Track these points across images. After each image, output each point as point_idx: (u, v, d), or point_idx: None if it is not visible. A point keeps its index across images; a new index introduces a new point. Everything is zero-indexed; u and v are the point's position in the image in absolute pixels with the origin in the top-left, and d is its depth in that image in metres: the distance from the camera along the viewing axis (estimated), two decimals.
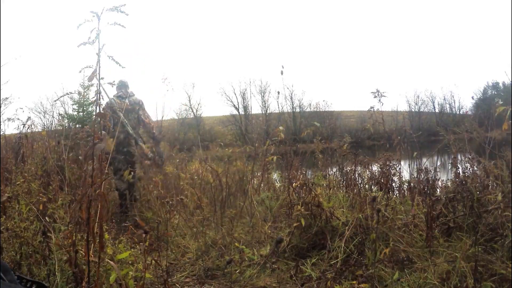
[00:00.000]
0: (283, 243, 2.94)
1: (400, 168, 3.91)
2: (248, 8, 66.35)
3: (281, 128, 3.97)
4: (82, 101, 8.24)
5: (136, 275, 2.12)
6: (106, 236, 2.00)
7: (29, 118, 5.04)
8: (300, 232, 2.98)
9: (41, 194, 2.82)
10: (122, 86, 4.96)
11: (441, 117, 34.71)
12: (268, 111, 34.18)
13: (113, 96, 4.79)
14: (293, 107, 35.34)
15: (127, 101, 4.74)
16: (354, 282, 2.30)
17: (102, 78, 1.51)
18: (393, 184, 3.91)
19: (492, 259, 2.15)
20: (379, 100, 3.41)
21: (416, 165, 4.04)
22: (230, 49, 63.74)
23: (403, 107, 34.29)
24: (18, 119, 5.00)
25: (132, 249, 2.24)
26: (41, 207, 2.59)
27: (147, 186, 4.74)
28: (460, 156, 3.50)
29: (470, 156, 3.34)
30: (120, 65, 1.62)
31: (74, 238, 1.84)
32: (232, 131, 32.10)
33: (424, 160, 4.27)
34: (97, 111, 1.59)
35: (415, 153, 3.67)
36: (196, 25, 67.20)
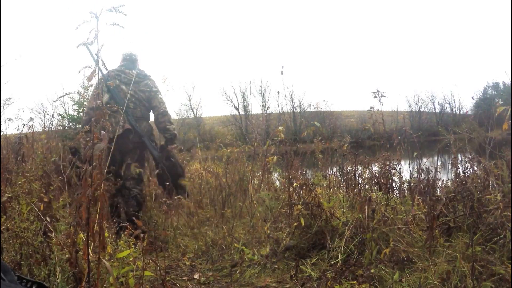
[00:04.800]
0: (283, 243, 2.94)
1: (400, 168, 3.91)
2: (248, 8, 66.38)
3: (281, 128, 3.97)
4: (82, 101, 8.24)
5: (136, 274, 2.13)
6: (106, 234, 2.00)
7: (31, 118, 5.06)
8: (300, 232, 2.98)
9: (41, 194, 2.83)
10: (130, 60, 3.69)
11: (441, 117, 34.68)
12: (268, 111, 34.16)
13: (110, 71, 3.50)
14: (293, 107, 35.34)
15: (133, 71, 3.52)
16: (354, 282, 2.30)
17: (102, 78, 1.51)
18: (393, 184, 3.91)
19: (491, 259, 2.15)
20: (379, 100, 3.41)
21: (416, 165, 4.04)
22: (230, 50, 63.78)
23: (403, 107, 34.27)
24: (20, 119, 5.01)
25: (131, 248, 2.25)
26: (41, 207, 2.59)
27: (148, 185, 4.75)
28: (460, 156, 3.50)
29: (470, 156, 3.34)
30: (108, 70, 1.62)
31: (74, 238, 1.84)
32: (232, 131, 32.13)
33: (424, 160, 4.26)
34: (97, 110, 1.59)
35: (415, 153, 3.67)
36: (196, 26, 67.21)
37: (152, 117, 3.82)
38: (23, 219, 2.33)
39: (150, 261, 2.35)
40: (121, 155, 3.53)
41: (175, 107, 35.09)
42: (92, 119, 1.47)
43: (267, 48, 63.39)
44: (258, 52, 64.28)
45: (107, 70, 3.41)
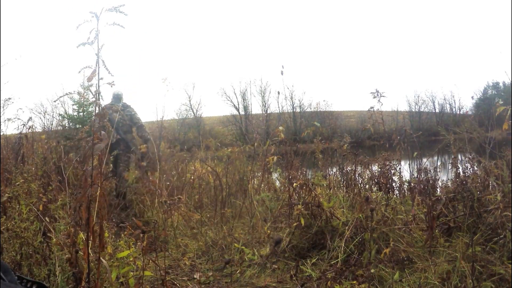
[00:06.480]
0: (282, 243, 2.94)
1: (400, 168, 3.91)
2: (248, 8, 66.34)
3: (281, 128, 3.97)
4: (82, 102, 8.23)
5: (136, 274, 2.13)
6: (106, 234, 2.00)
7: (30, 118, 5.06)
8: (300, 232, 2.98)
9: (41, 195, 2.82)
10: (117, 98, 5.72)
11: (441, 117, 34.65)
12: (268, 111, 34.10)
13: (105, 105, 5.37)
14: (293, 107, 35.30)
15: (119, 105, 5.52)
16: (354, 282, 2.30)
17: (102, 78, 1.51)
18: (393, 184, 3.91)
19: (491, 259, 2.15)
20: (379, 101, 3.41)
21: (416, 165, 4.04)
22: (230, 49, 63.67)
23: (403, 107, 34.20)
24: (19, 119, 5.00)
25: (131, 248, 2.25)
26: (41, 208, 2.59)
27: (144, 186, 4.76)
28: (460, 156, 3.50)
29: (470, 156, 3.34)
30: (109, 72, 1.63)
31: (74, 238, 1.84)
32: (232, 131, 32.10)
33: (424, 160, 4.26)
34: (97, 111, 1.59)
35: (415, 153, 3.66)
36: (196, 25, 67.17)
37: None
38: (23, 219, 2.33)
39: (150, 261, 2.35)
40: (114, 156, 5.36)
41: (175, 107, 35.17)
42: (93, 118, 1.47)
43: (267, 48, 63.27)
44: (258, 52, 64.11)
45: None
